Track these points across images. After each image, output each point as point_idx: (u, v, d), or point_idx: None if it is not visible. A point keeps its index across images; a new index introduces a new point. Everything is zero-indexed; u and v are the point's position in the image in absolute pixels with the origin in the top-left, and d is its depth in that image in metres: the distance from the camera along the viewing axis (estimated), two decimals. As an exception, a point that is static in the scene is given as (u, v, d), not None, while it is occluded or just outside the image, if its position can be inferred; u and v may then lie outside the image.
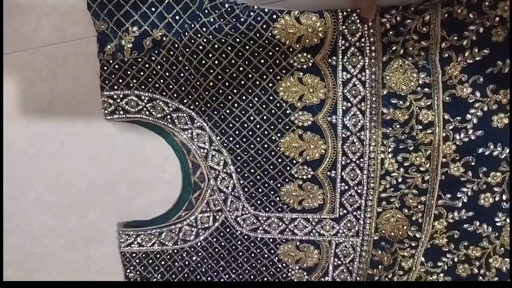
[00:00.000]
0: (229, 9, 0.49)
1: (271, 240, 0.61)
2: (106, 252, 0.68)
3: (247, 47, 0.51)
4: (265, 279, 0.62)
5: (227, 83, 0.53)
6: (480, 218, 0.55)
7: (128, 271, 0.64)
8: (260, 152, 0.57)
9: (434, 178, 0.54)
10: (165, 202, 0.64)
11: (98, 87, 0.56)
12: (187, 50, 0.51)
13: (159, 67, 0.53)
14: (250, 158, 0.57)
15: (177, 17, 0.50)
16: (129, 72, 0.54)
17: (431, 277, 0.58)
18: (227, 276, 0.63)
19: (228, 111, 0.55)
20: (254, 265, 0.62)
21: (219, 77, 0.53)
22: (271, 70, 0.52)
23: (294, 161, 0.56)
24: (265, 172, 0.58)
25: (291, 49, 0.51)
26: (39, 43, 0.59)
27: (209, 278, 0.63)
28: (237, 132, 0.56)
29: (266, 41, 0.50)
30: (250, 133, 0.56)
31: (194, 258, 0.63)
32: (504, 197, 0.53)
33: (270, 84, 0.53)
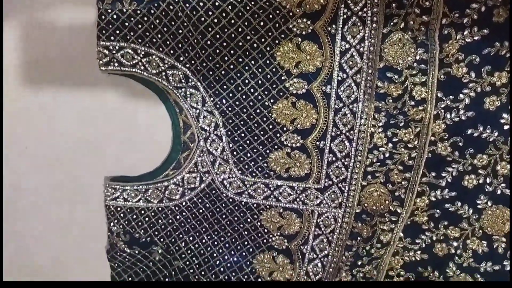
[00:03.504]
0: (232, -34, 0.48)
1: (255, 205, 0.61)
2: (91, 208, 0.68)
3: (248, 8, 0.50)
4: (246, 243, 0.63)
5: (224, 43, 0.53)
6: (462, 199, 0.55)
7: (112, 224, 0.64)
8: (252, 116, 0.57)
9: (421, 156, 0.54)
10: (153, 162, 0.64)
11: (93, 37, 0.55)
12: (187, 5, 0.50)
13: (157, 21, 0.53)
14: (242, 122, 0.57)
15: (180, -30, 0.50)
16: (126, 24, 0.53)
17: (408, 253, 0.59)
18: (209, 237, 0.64)
19: (223, 72, 0.55)
20: (236, 228, 0.63)
21: (217, 36, 0.52)
22: (270, 34, 0.52)
23: (285, 129, 0.56)
24: (255, 137, 0.58)
25: (291, 14, 0.50)
26: None
27: (191, 238, 0.64)
28: (230, 95, 0.56)
29: (267, 3, 0.49)
30: (244, 96, 0.56)
31: (178, 217, 0.63)
32: (488, 180, 0.54)
33: (268, 48, 0.53)
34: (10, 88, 0.64)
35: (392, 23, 0.49)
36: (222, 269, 0.64)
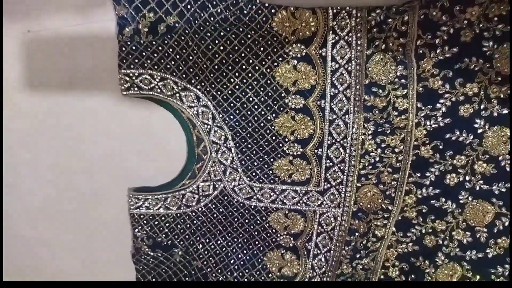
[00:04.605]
0: (234, 1, 0.54)
1: (263, 208, 0.67)
2: (116, 215, 0.74)
3: (249, 36, 0.56)
4: (257, 242, 0.69)
5: (230, 67, 0.59)
6: (445, 195, 0.60)
7: (136, 230, 0.70)
8: (257, 130, 0.62)
9: (407, 159, 0.60)
10: (171, 172, 0.69)
11: (115, 66, 0.61)
12: (196, 36, 0.57)
13: (171, 50, 0.59)
14: (248, 135, 0.63)
15: (189, 6, 0.56)
16: (144, 53, 0.59)
17: (401, 245, 0.65)
18: (223, 238, 0.70)
19: (230, 92, 0.61)
20: (247, 230, 0.69)
21: (224, 61, 0.58)
22: (269, 57, 0.58)
23: (286, 139, 0.62)
24: (261, 148, 0.63)
25: (287, 40, 0.56)
26: (63, 23, 0.64)
27: (207, 240, 0.70)
28: (237, 111, 0.62)
29: (265, 32, 0.56)
30: (249, 112, 0.62)
31: (195, 221, 0.69)
32: (467, 178, 0.59)
33: (268, 70, 0.58)
34: (41, 108, 0.69)
35: (374, 45, 0.55)
36: (236, 266, 0.70)
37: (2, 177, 0.76)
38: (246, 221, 0.68)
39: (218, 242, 0.70)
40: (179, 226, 0.69)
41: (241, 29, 0.56)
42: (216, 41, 0.57)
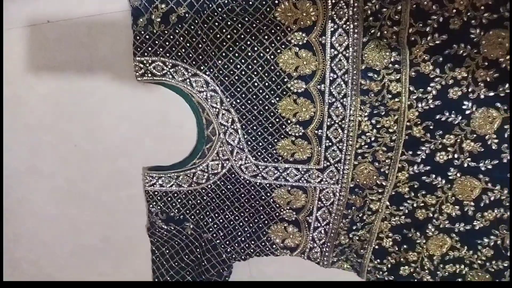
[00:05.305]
0: (240, -7, 0.57)
1: (267, 185, 0.71)
2: (133, 193, 0.78)
3: (254, 25, 0.60)
4: (262, 216, 0.74)
5: (236, 54, 0.62)
6: (435, 172, 0.64)
7: (151, 206, 0.75)
8: (261, 112, 0.66)
9: (400, 138, 0.63)
10: (182, 152, 0.73)
11: (130, 54, 0.65)
12: (205, 25, 0.61)
13: (181, 38, 0.62)
14: (253, 117, 0.67)
15: (198, -2, 0.59)
16: (156, 42, 0.63)
17: (394, 218, 0.69)
18: (231, 213, 0.74)
19: (236, 77, 0.64)
20: (253, 205, 0.73)
21: (230, 48, 0.62)
22: (273, 45, 0.61)
23: (289, 121, 0.66)
24: (265, 129, 0.67)
25: (289, 29, 0.60)
26: (82, 14, 0.67)
27: (216, 214, 0.75)
28: (243, 95, 0.65)
29: (269, 21, 0.60)
30: (254, 96, 0.65)
31: (204, 197, 0.73)
32: (456, 156, 0.62)
33: (272, 56, 0.62)
34: (62, 95, 0.73)
35: (370, 33, 0.59)
36: (243, 238, 0.76)
37: (2, 173, 0.80)
38: (252, 197, 0.73)
39: (226, 216, 0.75)
40: (190, 202, 0.74)
41: (246, 19, 0.60)
42: (224, 30, 0.61)
